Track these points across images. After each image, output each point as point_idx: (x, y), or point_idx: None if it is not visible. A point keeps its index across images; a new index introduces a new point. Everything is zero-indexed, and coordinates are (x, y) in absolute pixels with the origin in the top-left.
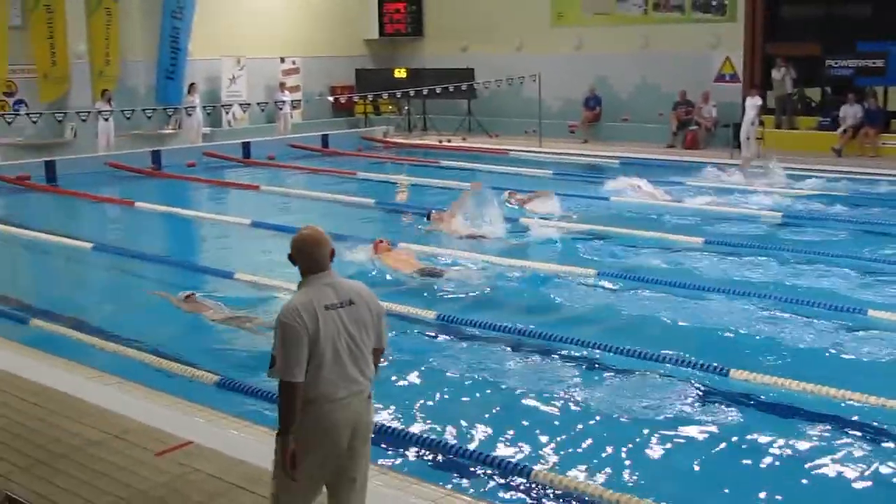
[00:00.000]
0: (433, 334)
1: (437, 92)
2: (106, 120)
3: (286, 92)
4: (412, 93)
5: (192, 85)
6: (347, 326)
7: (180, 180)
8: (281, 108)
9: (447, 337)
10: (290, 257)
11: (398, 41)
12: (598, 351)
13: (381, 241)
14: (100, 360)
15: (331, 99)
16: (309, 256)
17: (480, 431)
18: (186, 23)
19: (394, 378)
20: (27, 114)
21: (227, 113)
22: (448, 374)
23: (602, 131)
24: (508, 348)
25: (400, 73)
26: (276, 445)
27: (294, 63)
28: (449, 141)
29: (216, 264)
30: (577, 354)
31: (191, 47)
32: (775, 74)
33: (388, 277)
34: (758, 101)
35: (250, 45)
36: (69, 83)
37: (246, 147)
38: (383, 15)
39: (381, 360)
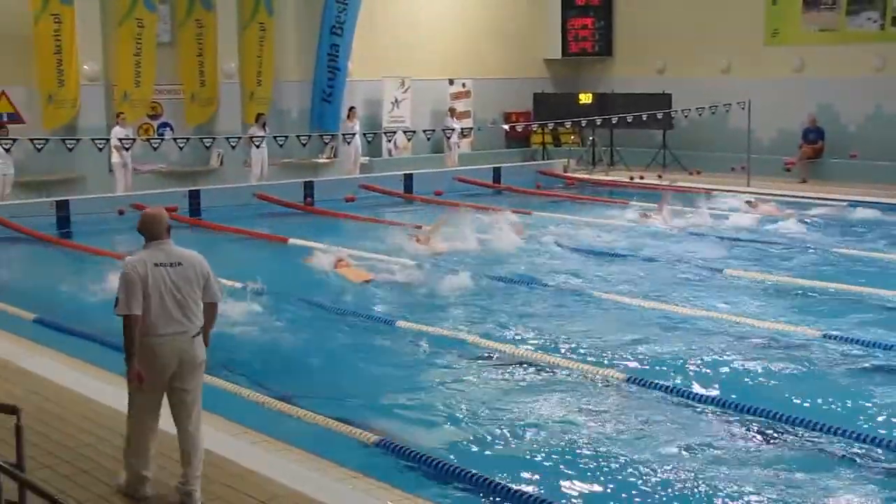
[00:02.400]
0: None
1: (628, 121)
2: (258, 147)
3: (456, 118)
4: (598, 121)
5: (351, 109)
6: (174, 281)
7: (335, 217)
8: (449, 137)
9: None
10: (138, 229)
11: (583, 62)
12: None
13: (341, 261)
14: (248, 416)
15: (505, 127)
16: (149, 228)
17: None
18: (347, 39)
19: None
20: (174, 138)
21: (388, 140)
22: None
23: (824, 169)
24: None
25: (585, 99)
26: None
27: (464, 85)
28: (641, 178)
29: (381, 311)
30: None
31: (350, 66)
32: None
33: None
34: None
35: (416, 65)
36: (217, 105)
37: (408, 180)
38: (567, 32)
39: (217, 311)
